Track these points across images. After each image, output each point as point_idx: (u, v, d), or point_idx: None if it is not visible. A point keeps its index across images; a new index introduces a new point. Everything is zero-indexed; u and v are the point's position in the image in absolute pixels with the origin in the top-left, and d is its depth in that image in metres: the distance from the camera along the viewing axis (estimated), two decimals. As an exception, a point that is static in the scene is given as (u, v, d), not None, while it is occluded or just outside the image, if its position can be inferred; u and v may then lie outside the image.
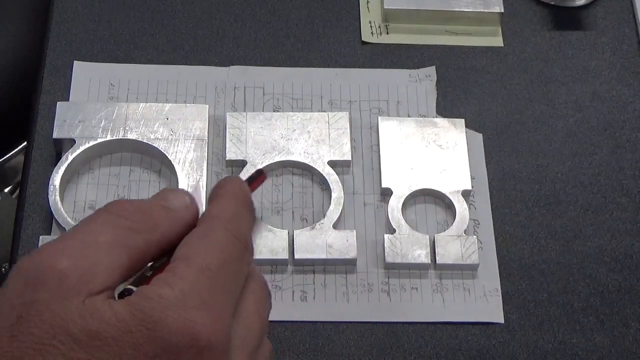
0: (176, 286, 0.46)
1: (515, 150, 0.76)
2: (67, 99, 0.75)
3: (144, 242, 0.48)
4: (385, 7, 0.81)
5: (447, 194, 0.72)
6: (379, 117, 0.75)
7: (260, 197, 0.72)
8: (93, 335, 0.44)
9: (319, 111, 0.76)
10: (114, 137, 0.72)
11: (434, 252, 0.69)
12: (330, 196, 0.71)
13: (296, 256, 0.69)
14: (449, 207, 0.72)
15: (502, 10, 0.81)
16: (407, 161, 0.73)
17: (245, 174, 0.71)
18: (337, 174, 0.72)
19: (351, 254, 0.69)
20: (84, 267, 0.46)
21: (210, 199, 0.54)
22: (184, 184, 0.70)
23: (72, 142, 0.72)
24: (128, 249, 0.48)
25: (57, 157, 0.72)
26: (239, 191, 0.54)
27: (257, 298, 0.51)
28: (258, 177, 0.64)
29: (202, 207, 0.70)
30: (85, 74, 0.77)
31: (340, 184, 0.72)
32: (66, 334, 0.44)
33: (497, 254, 0.71)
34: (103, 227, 0.48)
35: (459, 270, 0.69)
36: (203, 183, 0.70)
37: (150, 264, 0.50)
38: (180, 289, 0.46)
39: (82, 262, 0.46)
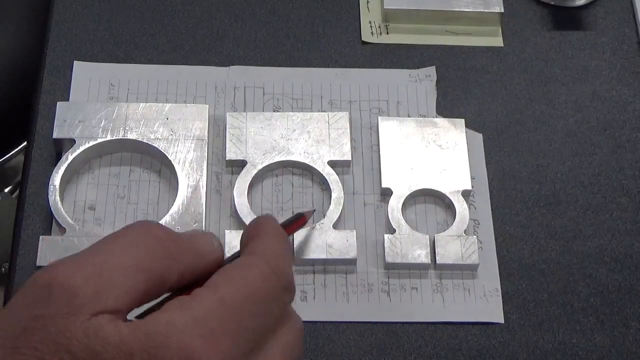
0: (189, 311, 0.45)
1: (515, 150, 0.76)
2: (67, 99, 0.75)
3: (165, 270, 0.47)
4: (385, 7, 0.81)
5: (447, 194, 0.72)
6: (379, 117, 0.75)
7: (260, 196, 0.72)
8: (94, 356, 0.43)
9: (319, 111, 0.76)
10: (114, 137, 0.72)
11: (434, 252, 0.69)
12: (330, 196, 0.71)
13: (296, 256, 0.68)
14: (449, 207, 0.72)
15: (502, 10, 0.81)
16: (407, 161, 0.73)
17: (246, 175, 0.71)
18: (337, 174, 0.72)
19: (351, 254, 0.69)
20: (97, 286, 0.44)
21: (249, 237, 0.52)
22: (184, 184, 0.70)
23: (72, 142, 0.72)
24: (148, 273, 0.46)
25: (57, 157, 0.72)
26: (279, 230, 0.52)
27: (286, 345, 0.49)
28: (297, 220, 0.62)
29: (203, 206, 0.70)
30: (85, 74, 0.77)
31: (340, 184, 0.72)
32: (67, 351, 0.43)
33: (497, 254, 0.71)
34: (127, 248, 0.46)
35: (459, 270, 0.69)
36: (203, 183, 0.70)
37: (167, 294, 0.48)
38: (193, 316, 0.44)
39: (97, 281, 0.45)
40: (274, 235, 0.51)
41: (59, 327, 0.43)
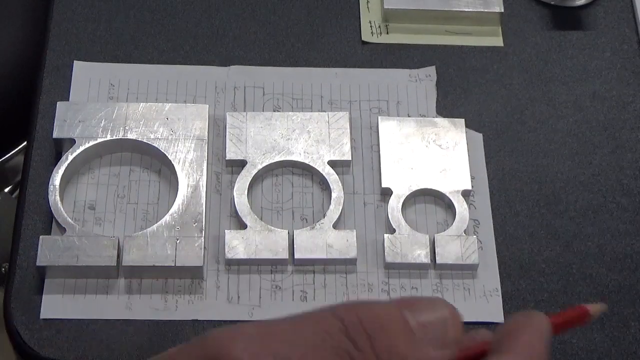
0: None
1: (515, 150, 0.76)
2: (67, 99, 0.75)
3: None
4: (385, 7, 0.81)
5: (447, 194, 0.72)
6: (379, 117, 0.75)
7: (260, 196, 0.72)
8: None
9: (319, 111, 0.76)
10: (114, 137, 0.72)
11: (434, 252, 0.69)
12: (330, 196, 0.71)
13: (296, 256, 0.68)
14: (449, 207, 0.72)
15: (502, 10, 0.81)
16: (407, 161, 0.73)
17: (246, 175, 0.71)
18: (337, 174, 0.72)
19: (351, 254, 0.69)
20: None
21: (509, 332, 0.42)
22: (184, 184, 0.70)
23: (72, 142, 0.72)
24: None
25: (57, 157, 0.72)
26: (537, 347, 0.42)
27: None
28: (576, 315, 0.51)
29: (203, 206, 0.70)
30: (85, 74, 0.77)
31: (340, 184, 0.72)
32: None
33: (497, 254, 0.71)
34: (322, 351, 0.39)
35: (459, 270, 0.69)
36: (203, 183, 0.70)
37: None
38: None
39: None
40: (539, 338, 0.42)
41: None
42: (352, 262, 0.69)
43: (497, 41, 0.81)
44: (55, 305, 0.66)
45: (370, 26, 0.81)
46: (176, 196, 0.70)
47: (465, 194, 0.72)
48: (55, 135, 0.72)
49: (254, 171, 0.72)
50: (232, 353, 0.38)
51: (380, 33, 0.81)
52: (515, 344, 0.41)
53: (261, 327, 0.39)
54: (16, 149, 1.06)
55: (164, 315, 0.67)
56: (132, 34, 0.80)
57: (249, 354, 0.38)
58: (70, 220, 0.68)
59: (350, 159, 0.73)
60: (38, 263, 0.66)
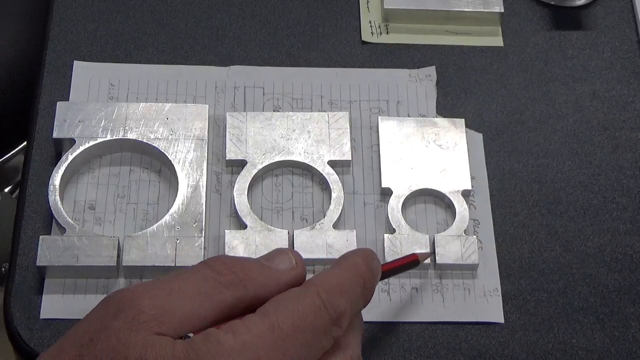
0: (239, 335, 0.48)
1: (515, 150, 0.76)
2: (67, 99, 0.75)
3: (232, 297, 0.50)
4: (385, 7, 0.81)
5: (447, 194, 0.72)
6: (379, 117, 0.75)
7: (260, 196, 0.72)
8: None
9: (319, 111, 0.76)
10: (114, 137, 0.72)
11: (434, 252, 0.69)
12: (330, 196, 0.71)
13: (296, 256, 0.68)
14: (449, 207, 0.72)
15: (502, 10, 0.81)
16: (407, 161, 0.73)
17: (246, 175, 0.71)
18: (337, 174, 0.72)
19: (351, 254, 0.69)
20: (162, 308, 0.48)
21: (331, 266, 0.54)
22: (184, 184, 0.70)
23: (72, 142, 0.72)
24: (213, 301, 0.50)
25: (57, 157, 0.72)
26: (360, 265, 0.55)
27: None
28: (405, 257, 0.65)
29: (203, 206, 0.70)
30: (85, 74, 0.77)
31: (340, 184, 0.72)
32: (124, 359, 0.47)
33: (497, 254, 0.71)
34: (193, 277, 0.50)
35: (459, 270, 0.69)
36: (203, 183, 0.70)
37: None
38: (242, 340, 0.47)
39: (162, 303, 0.48)
40: (347, 269, 0.54)
41: (121, 338, 0.47)
42: (352, 262, 0.69)
43: (497, 41, 0.81)
44: (55, 305, 0.66)
45: (370, 26, 0.81)
46: (176, 196, 0.70)
47: (465, 194, 0.72)
48: (55, 135, 0.72)
49: (254, 171, 0.72)
50: (138, 302, 0.48)
51: (380, 33, 0.81)
52: (342, 263, 0.54)
53: (159, 283, 0.50)
54: (16, 149, 1.06)
55: (164, 315, 0.66)
56: (132, 34, 0.80)
57: (153, 305, 0.48)
58: (70, 220, 0.68)
59: (350, 159, 0.73)
60: (38, 263, 0.66)
